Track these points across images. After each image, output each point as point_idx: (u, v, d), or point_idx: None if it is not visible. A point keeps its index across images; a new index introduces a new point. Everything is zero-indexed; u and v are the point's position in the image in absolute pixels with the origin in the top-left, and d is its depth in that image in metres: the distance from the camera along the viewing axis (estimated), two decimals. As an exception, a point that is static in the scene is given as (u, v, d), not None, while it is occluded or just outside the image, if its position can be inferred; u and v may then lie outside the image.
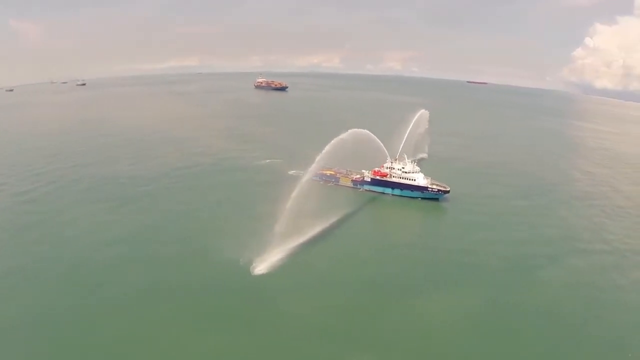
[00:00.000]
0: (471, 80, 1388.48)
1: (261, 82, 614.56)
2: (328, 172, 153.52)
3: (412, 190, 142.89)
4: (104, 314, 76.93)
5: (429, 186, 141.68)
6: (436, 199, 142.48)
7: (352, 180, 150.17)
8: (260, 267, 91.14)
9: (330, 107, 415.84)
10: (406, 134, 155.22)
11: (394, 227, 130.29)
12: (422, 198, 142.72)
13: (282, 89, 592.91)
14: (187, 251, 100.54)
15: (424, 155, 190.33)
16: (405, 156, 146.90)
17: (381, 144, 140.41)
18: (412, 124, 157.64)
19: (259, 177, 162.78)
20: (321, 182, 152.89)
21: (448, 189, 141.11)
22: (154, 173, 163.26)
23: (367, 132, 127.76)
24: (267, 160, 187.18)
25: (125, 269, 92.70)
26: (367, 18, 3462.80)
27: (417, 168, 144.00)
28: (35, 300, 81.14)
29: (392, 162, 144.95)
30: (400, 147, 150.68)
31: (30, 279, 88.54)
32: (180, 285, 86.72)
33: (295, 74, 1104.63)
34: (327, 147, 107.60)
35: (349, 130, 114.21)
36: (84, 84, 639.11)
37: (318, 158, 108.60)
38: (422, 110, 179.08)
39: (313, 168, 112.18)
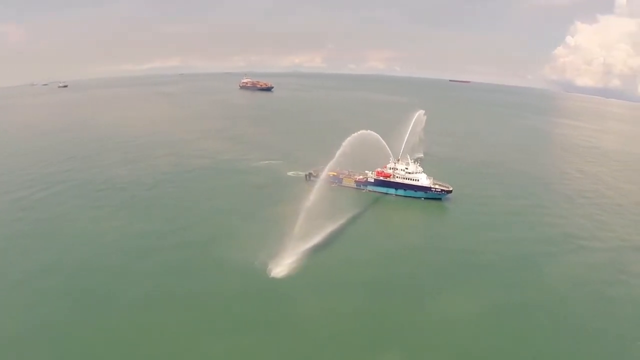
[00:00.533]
0: (454, 79, 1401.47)
1: (246, 83, 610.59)
2: (331, 173, 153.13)
3: (415, 191, 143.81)
4: (119, 321, 75.88)
5: (432, 186, 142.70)
6: (439, 199, 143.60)
7: (356, 181, 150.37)
8: (277, 270, 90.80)
9: (319, 107, 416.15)
10: (407, 135, 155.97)
11: (401, 228, 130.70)
12: (425, 198, 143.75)
13: (268, 89, 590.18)
14: (201, 255, 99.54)
15: (420, 155, 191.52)
16: (408, 156, 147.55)
17: (386, 145, 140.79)
18: (411, 124, 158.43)
19: (260, 178, 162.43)
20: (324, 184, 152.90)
21: (451, 189, 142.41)
22: (152, 177, 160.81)
23: (374, 133, 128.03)
24: (265, 162, 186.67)
25: (138, 275, 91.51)
26: (350, 18, 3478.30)
27: (420, 168, 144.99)
28: (46, 309, 79.59)
29: (395, 163, 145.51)
30: (402, 147, 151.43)
31: (41, 291, 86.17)
32: (197, 290, 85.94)
33: (278, 74, 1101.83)
34: (340, 150, 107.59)
35: (358, 132, 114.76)
36: (65, 86, 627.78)
37: (332, 161, 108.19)
38: (420, 111, 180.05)
39: (327, 171, 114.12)
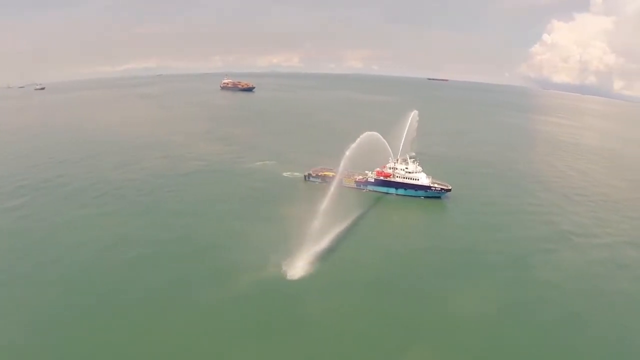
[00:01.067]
0: (432, 77, 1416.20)
1: (227, 83, 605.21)
2: (330, 174, 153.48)
3: (415, 190, 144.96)
4: (134, 329, 74.36)
5: (432, 185, 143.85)
6: (438, 197, 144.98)
7: (356, 181, 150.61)
8: (293, 272, 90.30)
9: (303, 107, 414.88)
10: (404, 135, 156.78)
11: (405, 227, 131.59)
12: (425, 197, 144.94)
13: (249, 89, 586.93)
14: (213, 258, 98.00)
15: (412, 154, 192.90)
16: (408, 156, 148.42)
17: (388, 146, 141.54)
18: (408, 124, 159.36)
19: (257, 180, 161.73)
20: (324, 184, 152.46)
21: (450, 188, 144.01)
22: (149, 180, 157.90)
23: (377, 134, 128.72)
24: (259, 163, 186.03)
25: (149, 281, 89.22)
26: (326, 17, 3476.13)
27: (420, 168, 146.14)
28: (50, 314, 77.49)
29: (395, 163, 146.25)
30: (400, 147, 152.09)
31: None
32: (212, 294, 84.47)
33: (256, 74, 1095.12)
34: (348, 152, 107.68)
35: (365, 133, 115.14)
36: (43, 88, 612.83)
37: (343, 163, 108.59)
38: (414, 111, 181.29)
39: (341, 173, 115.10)
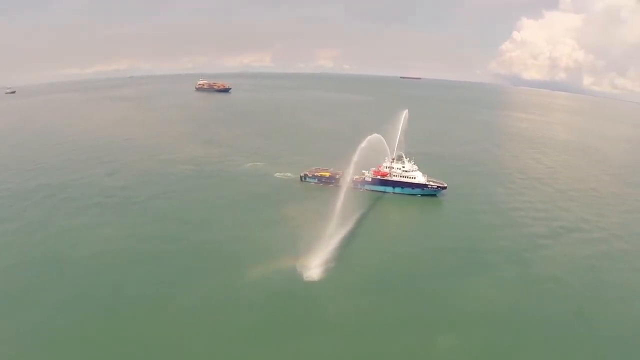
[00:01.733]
0: (405, 75, 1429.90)
1: (203, 84, 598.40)
2: (327, 174, 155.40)
3: (412, 188, 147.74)
4: (155, 333, 74.15)
5: (428, 183, 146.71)
6: (434, 195, 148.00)
7: (353, 181, 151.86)
8: (309, 273, 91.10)
9: (282, 108, 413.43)
10: (398, 134, 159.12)
11: (407, 224, 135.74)
12: (421, 195, 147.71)
13: (225, 90, 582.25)
14: (226, 264, 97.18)
15: (401, 152, 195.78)
16: (404, 155, 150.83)
17: (387, 147, 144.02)
18: (401, 124, 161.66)
19: (251, 181, 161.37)
20: (320, 185, 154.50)
21: (445, 185, 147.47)
22: (141, 184, 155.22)
23: (379, 135, 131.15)
24: (249, 164, 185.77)
25: (165, 290, 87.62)
26: (297, 17, 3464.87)
27: (415, 167, 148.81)
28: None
29: (391, 162, 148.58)
30: (395, 147, 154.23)
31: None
32: (231, 298, 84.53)
33: (228, 74, 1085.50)
34: (357, 153, 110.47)
35: (371, 135, 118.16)
36: (13, 92, 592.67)
37: (352, 164, 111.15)
38: (405, 110, 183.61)
39: (351, 175, 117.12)
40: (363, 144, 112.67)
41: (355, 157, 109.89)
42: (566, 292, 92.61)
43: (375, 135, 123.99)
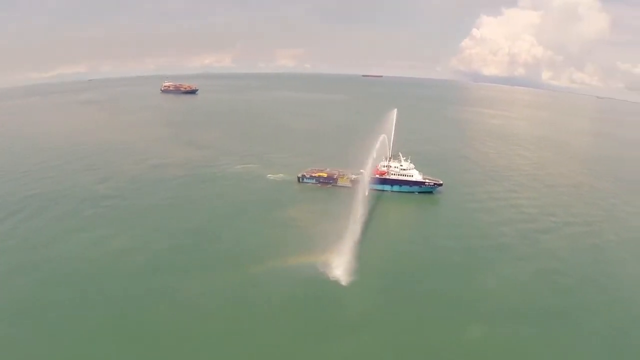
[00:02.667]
0: (366, 73, 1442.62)
1: (169, 86, 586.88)
2: (325, 174, 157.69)
3: (410, 186, 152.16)
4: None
5: (425, 180, 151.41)
6: (430, 192, 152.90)
7: (351, 181, 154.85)
8: (334, 272, 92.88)
9: (255, 108, 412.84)
10: (392, 134, 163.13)
11: (410, 221, 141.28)
12: (419, 192, 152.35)
13: (192, 92, 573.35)
14: (246, 267, 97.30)
15: (397, 151, 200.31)
16: (400, 154, 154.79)
17: (387, 146, 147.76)
18: (393, 123, 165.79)
19: (247, 183, 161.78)
20: (319, 185, 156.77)
21: (441, 182, 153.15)
22: (133, 190, 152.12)
23: (385, 136, 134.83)
24: (239, 166, 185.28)
25: (185, 296, 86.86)
26: (257, 17, 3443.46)
27: (412, 165, 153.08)
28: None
29: (388, 161, 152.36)
30: (390, 146, 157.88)
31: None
32: (255, 301, 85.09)
33: (191, 75, 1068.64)
34: (372, 154, 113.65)
35: (381, 136, 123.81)
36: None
37: (369, 165, 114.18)
38: (394, 110, 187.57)
39: (367, 177, 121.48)
40: (377, 145, 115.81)
41: (373, 156, 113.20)
42: (578, 285, 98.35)
43: (383, 135, 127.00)
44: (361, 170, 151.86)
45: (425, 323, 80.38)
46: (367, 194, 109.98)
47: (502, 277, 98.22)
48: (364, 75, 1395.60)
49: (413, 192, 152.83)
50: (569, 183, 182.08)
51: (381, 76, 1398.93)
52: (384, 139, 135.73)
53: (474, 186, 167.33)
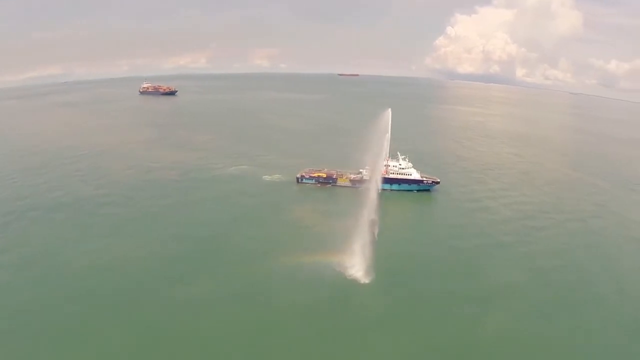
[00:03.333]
0: (342, 72, 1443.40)
1: (147, 88, 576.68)
2: (323, 175, 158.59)
3: (409, 184, 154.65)
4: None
5: (423, 179, 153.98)
6: (428, 190, 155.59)
7: (351, 180, 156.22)
8: (352, 272, 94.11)
9: (238, 109, 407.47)
10: (389, 134, 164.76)
11: (412, 219, 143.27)
12: (417, 190, 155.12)
13: (172, 93, 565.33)
14: (261, 270, 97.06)
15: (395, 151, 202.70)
16: (399, 153, 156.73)
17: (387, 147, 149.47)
18: (390, 123, 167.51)
19: (245, 185, 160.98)
20: (318, 185, 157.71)
21: (439, 181, 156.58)
22: (131, 195, 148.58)
23: (388, 135, 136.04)
24: (233, 168, 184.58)
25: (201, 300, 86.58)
26: (231, 18, 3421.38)
27: (410, 164, 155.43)
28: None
29: (387, 161, 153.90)
30: (388, 146, 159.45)
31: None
32: (274, 303, 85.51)
33: (166, 77, 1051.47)
34: (382, 153, 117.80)
35: (387, 134, 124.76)
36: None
37: (378, 164, 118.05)
38: (389, 109, 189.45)
39: (374, 176, 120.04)
40: (385, 143, 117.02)
41: (385, 155, 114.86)
42: (588, 278, 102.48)
43: (387, 134, 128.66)
44: (361, 170, 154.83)
45: (442, 320, 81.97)
46: (379, 192, 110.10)
47: (509, 274, 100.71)
48: (340, 74, 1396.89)
49: (412, 190, 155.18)
50: (555, 177, 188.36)
51: (357, 75, 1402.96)
52: (388, 138, 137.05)
53: (468, 184, 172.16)
